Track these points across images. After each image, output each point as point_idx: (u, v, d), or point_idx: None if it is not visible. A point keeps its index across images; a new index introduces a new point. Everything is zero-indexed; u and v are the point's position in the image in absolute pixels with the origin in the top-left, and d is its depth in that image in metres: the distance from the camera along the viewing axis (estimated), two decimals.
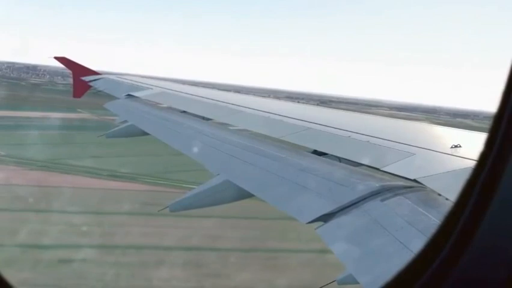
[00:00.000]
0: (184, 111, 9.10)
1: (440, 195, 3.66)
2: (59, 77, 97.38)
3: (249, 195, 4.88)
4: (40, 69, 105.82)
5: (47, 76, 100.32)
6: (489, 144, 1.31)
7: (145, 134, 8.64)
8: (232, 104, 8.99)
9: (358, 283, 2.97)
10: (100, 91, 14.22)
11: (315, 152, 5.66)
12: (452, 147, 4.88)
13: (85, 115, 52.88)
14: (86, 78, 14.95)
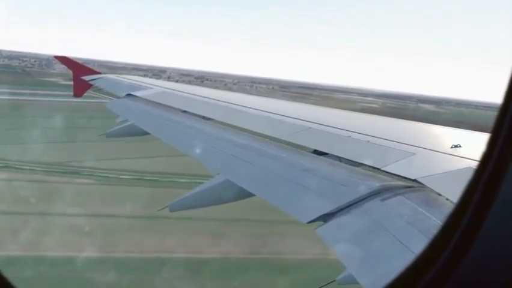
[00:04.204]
0: (185, 111, 9.10)
1: (440, 195, 3.66)
2: (5, 59, 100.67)
3: (250, 195, 4.89)
4: (2, 54, 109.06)
5: None
6: (491, 144, 1.31)
7: (146, 133, 8.64)
8: (233, 104, 8.99)
9: (358, 283, 2.97)
10: (100, 89, 14.25)
11: (316, 152, 5.67)
12: (452, 147, 4.89)
13: None
14: (87, 78, 14.95)
